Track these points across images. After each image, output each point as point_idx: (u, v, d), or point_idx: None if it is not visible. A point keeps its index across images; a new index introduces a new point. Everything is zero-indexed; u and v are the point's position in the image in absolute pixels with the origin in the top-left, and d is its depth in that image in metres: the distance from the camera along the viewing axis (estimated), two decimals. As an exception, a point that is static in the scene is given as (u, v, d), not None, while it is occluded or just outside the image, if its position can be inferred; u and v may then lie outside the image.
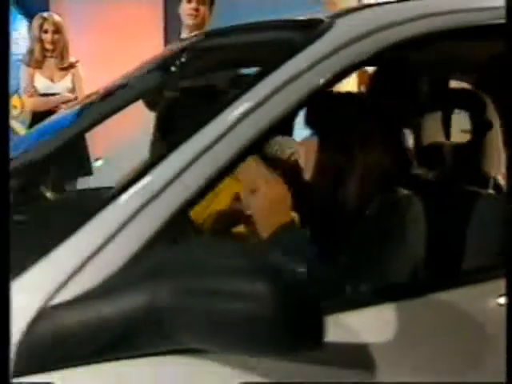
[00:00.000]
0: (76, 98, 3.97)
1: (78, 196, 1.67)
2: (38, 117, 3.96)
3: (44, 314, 0.72)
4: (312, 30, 1.03)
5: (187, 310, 0.70)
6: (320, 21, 1.05)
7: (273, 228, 0.97)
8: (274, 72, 0.93)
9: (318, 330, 0.68)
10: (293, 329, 0.67)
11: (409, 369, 0.86)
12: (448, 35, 1.07)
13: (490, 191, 1.41)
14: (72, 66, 4.06)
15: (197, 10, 3.06)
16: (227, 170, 0.85)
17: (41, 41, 3.95)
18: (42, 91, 3.96)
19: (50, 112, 3.88)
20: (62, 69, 4.03)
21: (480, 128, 1.40)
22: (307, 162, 1.40)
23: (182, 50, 1.45)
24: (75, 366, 0.71)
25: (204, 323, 0.70)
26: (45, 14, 4.01)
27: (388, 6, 1.11)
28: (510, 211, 0.95)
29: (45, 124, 1.71)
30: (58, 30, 3.99)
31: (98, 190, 1.73)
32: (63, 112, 1.67)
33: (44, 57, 3.98)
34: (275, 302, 0.66)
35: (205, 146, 0.84)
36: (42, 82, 3.97)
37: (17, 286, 0.74)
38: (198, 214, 1.17)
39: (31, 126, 4.03)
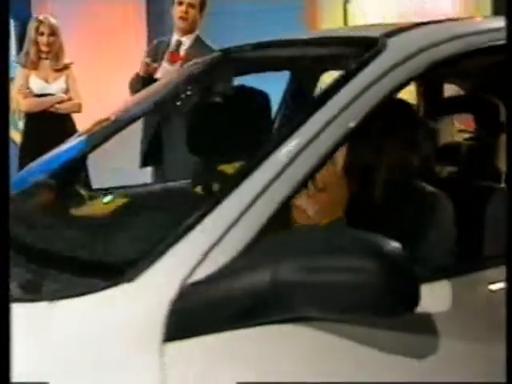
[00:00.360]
0: (70, 99, 4.09)
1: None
2: (33, 117, 4.06)
3: (187, 289, 0.88)
4: (370, 48, 1.21)
5: (306, 284, 0.87)
6: (375, 40, 1.23)
7: (327, 221, 1.14)
8: (345, 87, 1.10)
9: (416, 297, 0.86)
10: (396, 296, 0.85)
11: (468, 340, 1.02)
12: (480, 52, 1.27)
13: (502, 185, 1.61)
14: (66, 67, 4.16)
15: (186, 12, 3.27)
16: (314, 172, 1.03)
17: (36, 43, 4.04)
18: (37, 92, 4.05)
19: (44, 112, 4.00)
20: (57, 70, 4.12)
21: (494, 129, 1.60)
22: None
23: (232, 61, 1.61)
24: (218, 331, 0.87)
25: (321, 294, 0.87)
26: (41, 17, 4.11)
27: (433, 25, 1.30)
28: (510, 209, 1.02)
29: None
30: (53, 32, 4.09)
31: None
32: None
33: (39, 58, 4.08)
34: (383, 274, 0.84)
35: (293, 153, 1.00)
36: (37, 83, 4.05)
37: (160, 265, 0.90)
38: None
39: (28, 127, 4.13)
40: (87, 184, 1.69)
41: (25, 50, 4.10)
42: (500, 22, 1.29)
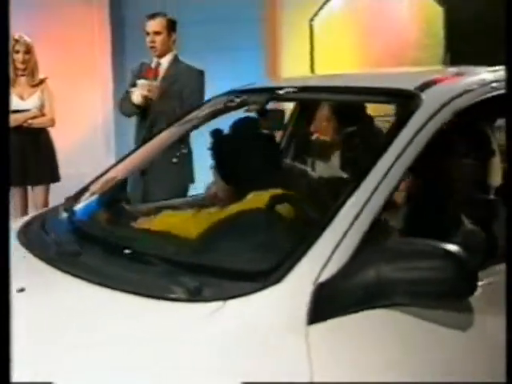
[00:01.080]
0: (43, 114, 4.32)
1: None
2: (11, 132, 4.25)
3: (319, 285, 1.27)
4: (408, 99, 1.63)
5: (400, 279, 1.28)
6: (412, 93, 1.64)
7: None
8: (402, 132, 1.52)
9: (475, 285, 1.29)
10: (466, 284, 1.28)
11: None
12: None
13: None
14: (42, 82, 4.39)
15: (153, 41, 3.74)
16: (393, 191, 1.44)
17: (13, 61, 4.25)
18: (12, 108, 4.25)
19: (20, 127, 4.21)
20: (33, 86, 4.35)
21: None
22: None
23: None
24: (342, 315, 1.27)
25: (411, 287, 1.28)
26: (16, 36, 4.30)
27: (453, 80, 1.74)
28: (510, 212, 1.19)
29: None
30: (28, 50, 4.33)
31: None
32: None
33: (16, 76, 4.28)
34: (458, 271, 1.26)
35: (382, 176, 1.42)
36: (12, 100, 4.25)
37: (297, 269, 1.28)
38: None
39: None
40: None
41: None
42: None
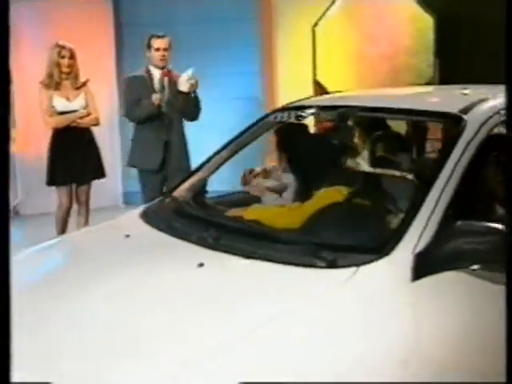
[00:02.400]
0: (89, 114, 4.85)
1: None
2: (58, 132, 4.77)
3: (419, 253, 1.91)
4: (454, 120, 2.28)
5: (472, 249, 1.93)
6: (457, 116, 2.29)
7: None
8: (456, 149, 2.17)
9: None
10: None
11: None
12: None
13: None
14: (84, 84, 4.90)
15: (164, 56, 4.68)
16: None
17: (59, 66, 4.75)
18: (61, 110, 4.77)
19: (67, 127, 4.74)
20: (76, 88, 4.86)
21: None
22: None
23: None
24: (434, 273, 1.91)
25: (481, 255, 1.93)
26: (61, 43, 4.80)
27: (488, 103, 2.38)
28: (509, 215, 1.28)
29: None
30: (72, 55, 4.82)
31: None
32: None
33: (61, 79, 4.78)
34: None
35: (448, 177, 2.06)
36: (60, 102, 4.77)
37: (402, 243, 1.92)
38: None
39: (55, 140, 4.81)
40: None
41: (47, 72, 4.79)
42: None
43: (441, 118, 2.40)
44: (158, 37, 4.69)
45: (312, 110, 2.78)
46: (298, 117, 2.85)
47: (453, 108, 2.38)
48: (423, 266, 1.92)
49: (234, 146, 3.07)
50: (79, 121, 4.82)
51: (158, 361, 1.56)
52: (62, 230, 4.85)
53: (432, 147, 2.98)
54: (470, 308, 1.99)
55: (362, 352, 1.74)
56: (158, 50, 4.65)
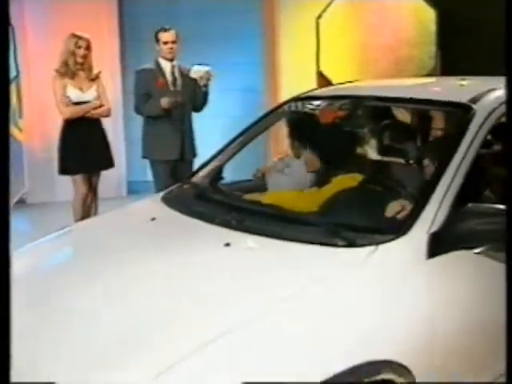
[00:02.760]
0: (102, 105, 4.95)
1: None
2: (70, 122, 4.88)
3: (433, 233, 2.05)
4: (463, 109, 2.42)
5: (481, 230, 2.07)
6: (467, 105, 2.43)
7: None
8: (467, 136, 2.30)
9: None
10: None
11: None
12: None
13: None
14: (97, 76, 4.99)
15: (171, 48, 4.88)
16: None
17: (74, 55, 4.83)
18: (75, 100, 4.86)
19: (79, 118, 4.84)
20: (90, 80, 4.95)
21: None
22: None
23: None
24: (446, 252, 2.06)
25: (488, 236, 2.07)
26: (78, 33, 4.88)
27: (495, 92, 2.52)
28: (510, 211, 1.38)
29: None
30: (88, 46, 4.90)
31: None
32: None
33: (76, 69, 4.86)
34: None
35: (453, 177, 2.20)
36: (74, 93, 4.86)
37: (417, 223, 2.06)
38: None
39: (67, 130, 4.92)
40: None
41: (62, 60, 4.86)
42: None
43: (452, 107, 2.53)
44: (165, 30, 4.86)
45: (324, 100, 2.92)
46: (312, 106, 2.98)
47: (463, 98, 2.51)
48: (437, 245, 2.06)
49: (249, 134, 3.20)
50: (93, 111, 4.92)
51: (198, 328, 1.70)
52: (81, 218, 4.97)
53: (435, 136, 3.10)
54: (479, 285, 2.14)
55: (381, 322, 1.88)
56: (166, 43, 4.83)
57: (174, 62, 4.91)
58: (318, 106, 2.95)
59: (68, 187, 5.17)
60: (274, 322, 1.74)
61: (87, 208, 5.04)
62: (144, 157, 5.01)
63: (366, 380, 1.80)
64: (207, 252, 2.12)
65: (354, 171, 2.79)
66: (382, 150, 2.85)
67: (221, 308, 1.79)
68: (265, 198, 2.73)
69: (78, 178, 4.93)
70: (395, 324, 1.91)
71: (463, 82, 2.88)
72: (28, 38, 6.73)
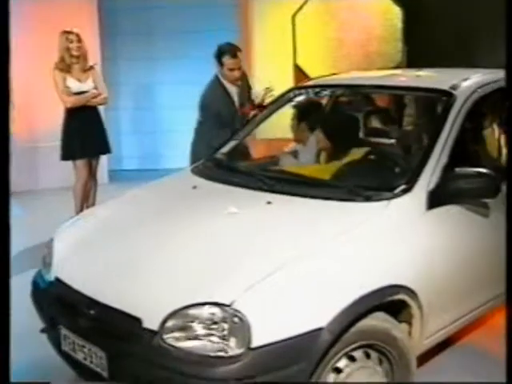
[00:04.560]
0: (100, 94, 5.42)
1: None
2: (71, 110, 5.33)
3: (429, 191, 2.68)
4: (445, 95, 3.07)
5: (466, 188, 2.72)
6: (448, 92, 3.08)
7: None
8: (449, 116, 2.95)
9: (500, 189, 2.75)
10: (495, 189, 2.72)
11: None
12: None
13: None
14: (91, 67, 5.46)
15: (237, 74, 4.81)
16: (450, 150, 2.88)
17: (68, 50, 5.30)
18: (75, 90, 5.33)
19: (80, 107, 5.31)
20: (85, 71, 5.42)
21: None
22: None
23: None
24: (441, 206, 2.70)
25: (470, 192, 2.72)
26: (67, 29, 5.34)
27: (475, 78, 3.18)
28: (509, 210, 1.62)
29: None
30: (79, 39, 5.37)
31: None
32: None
33: (72, 62, 5.33)
34: (492, 182, 2.71)
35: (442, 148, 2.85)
36: (74, 84, 5.33)
37: (417, 184, 2.69)
38: None
39: (69, 118, 5.36)
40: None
41: (59, 57, 5.33)
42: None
43: (436, 93, 3.19)
44: (232, 56, 4.72)
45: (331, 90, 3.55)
46: (316, 93, 3.60)
47: (444, 85, 3.17)
48: (434, 200, 2.70)
49: (258, 117, 3.79)
50: (92, 100, 5.38)
51: (269, 259, 2.28)
52: (82, 202, 5.44)
53: (424, 117, 3.76)
54: (464, 230, 2.81)
55: (395, 257, 2.51)
56: (232, 70, 4.75)
57: (238, 83, 4.88)
58: (321, 93, 3.57)
59: (50, 175, 5.56)
60: (322, 256, 2.34)
61: (87, 193, 5.51)
62: None
63: (389, 298, 2.42)
64: (255, 208, 2.69)
65: (354, 147, 3.43)
66: (378, 131, 3.48)
67: (281, 246, 2.37)
68: (288, 169, 3.33)
69: (80, 163, 5.39)
70: (405, 258, 2.54)
71: (417, 73, 3.57)
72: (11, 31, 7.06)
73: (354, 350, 2.37)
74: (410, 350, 2.51)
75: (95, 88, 5.42)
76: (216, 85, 4.81)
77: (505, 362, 1.78)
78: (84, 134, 5.34)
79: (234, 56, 4.69)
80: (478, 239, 2.89)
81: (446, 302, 2.74)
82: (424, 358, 2.90)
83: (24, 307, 2.76)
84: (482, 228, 2.90)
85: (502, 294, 3.24)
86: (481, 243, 2.90)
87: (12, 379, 2.01)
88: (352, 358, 2.38)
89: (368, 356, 2.42)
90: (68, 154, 5.39)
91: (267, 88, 4.82)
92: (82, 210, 5.44)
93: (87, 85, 5.39)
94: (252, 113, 4.69)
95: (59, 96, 5.29)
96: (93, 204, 5.56)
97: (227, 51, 4.71)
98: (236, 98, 4.88)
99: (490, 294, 3.12)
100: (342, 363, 2.36)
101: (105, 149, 5.59)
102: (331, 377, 2.34)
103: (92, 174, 5.53)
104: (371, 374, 2.43)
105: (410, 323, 2.61)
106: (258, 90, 4.94)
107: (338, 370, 2.35)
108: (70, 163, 5.48)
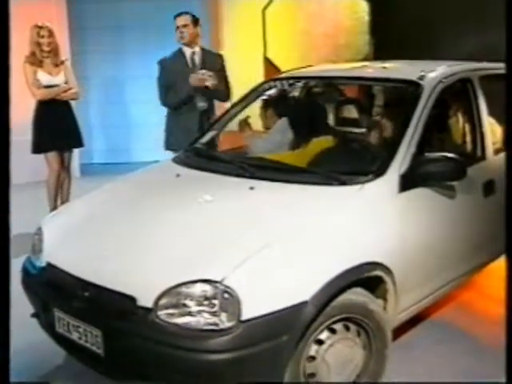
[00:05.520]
0: (70, 88, 5.52)
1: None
2: (43, 103, 5.42)
3: (403, 173, 2.90)
4: (413, 86, 3.29)
5: (433, 171, 2.95)
6: (416, 82, 3.30)
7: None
8: (418, 106, 3.17)
9: (466, 173, 2.99)
10: (462, 172, 2.96)
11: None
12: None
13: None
14: (62, 62, 5.56)
15: (182, 32, 4.92)
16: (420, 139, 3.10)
17: (39, 45, 5.38)
18: (45, 84, 5.42)
19: (50, 101, 5.39)
20: (56, 65, 5.51)
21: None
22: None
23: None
24: (412, 188, 2.92)
25: (440, 175, 2.95)
26: (39, 24, 5.42)
27: (442, 69, 3.42)
28: (510, 210, 1.47)
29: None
30: (50, 34, 5.46)
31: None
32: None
33: (42, 57, 5.41)
34: (458, 166, 2.94)
35: (415, 126, 3.07)
36: (44, 77, 5.43)
37: (391, 167, 2.90)
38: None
39: (39, 110, 5.44)
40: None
41: (30, 51, 5.41)
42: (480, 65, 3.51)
43: (405, 83, 3.40)
44: (178, 15, 4.94)
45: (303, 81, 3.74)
46: (290, 85, 3.78)
47: (412, 76, 3.39)
48: (405, 184, 2.92)
49: (234, 109, 3.96)
50: (62, 94, 5.47)
51: (254, 238, 2.45)
52: (55, 196, 5.54)
53: (393, 106, 3.98)
54: (432, 211, 3.04)
55: (370, 236, 2.71)
56: (177, 28, 4.91)
57: (195, 49, 4.98)
58: (294, 85, 3.76)
59: (20, 170, 5.64)
60: (304, 235, 2.53)
61: (60, 185, 5.60)
62: (168, 148, 4.96)
63: (367, 274, 2.63)
64: (239, 193, 2.87)
65: (323, 135, 3.64)
66: (335, 121, 3.70)
67: (266, 226, 2.56)
68: (266, 156, 3.51)
69: (51, 156, 5.49)
70: (380, 236, 2.75)
71: (385, 65, 3.79)
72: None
73: (335, 322, 2.57)
74: (385, 322, 2.72)
75: (66, 82, 5.52)
76: (175, 51, 4.97)
77: (504, 361, 1.86)
78: (54, 127, 5.43)
79: (179, 15, 4.91)
80: (446, 219, 3.12)
81: (418, 279, 2.97)
82: (398, 332, 3.12)
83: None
84: (449, 209, 3.13)
85: (467, 271, 3.51)
86: (448, 223, 3.13)
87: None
88: (333, 331, 2.58)
89: (347, 328, 2.63)
90: (38, 147, 5.48)
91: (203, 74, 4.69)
92: (55, 202, 5.57)
93: (58, 79, 5.49)
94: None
95: (29, 89, 5.37)
96: (67, 198, 5.67)
97: (176, 15, 4.93)
98: (192, 62, 4.89)
99: (458, 271, 3.36)
100: (324, 335, 2.55)
101: (77, 142, 5.69)
102: (313, 348, 2.53)
103: (64, 167, 5.63)
104: (351, 346, 2.64)
105: (385, 299, 2.82)
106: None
107: (320, 342, 2.55)
108: (41, 158, 5.56)
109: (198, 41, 5.05)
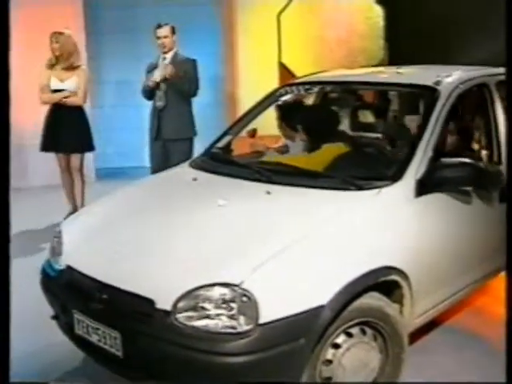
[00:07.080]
0: (75, 94, 5.60)
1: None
2: (52, 108, 5.57)
3: (418, 179, 2.90)
4: (430, 91, 3.30)
5: (451, 177, 2.95)
6: (433, 88, 3.31)
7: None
8: (434, 111, 3.18)
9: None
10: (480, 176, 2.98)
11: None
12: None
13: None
14: (76, 68, 5.65)
15: (163, 42, 5.55)
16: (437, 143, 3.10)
17: (52, 50, 5.62)
18: (53, 88, 5.59)
19: (61, 105, 5.51)
20: (68, 70, 5.63)
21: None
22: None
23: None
24: (428, 194, 2.92)
25: (457, 180, 2.96)
26: (56, 31, 5.67)
27: (458, 73, 3.43)
28: (510, 210, 1.59)
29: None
30: (60, 40, 5.64)
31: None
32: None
33: (55, 62, 5.59)
34: (477, 171, 2.95)
35: (432, 131, 3.08)
36: (53, 82, 5.66)
37: (407, 172, 2.91)
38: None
39: (49, 114, 5.60)
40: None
41: (50, 56, 5.63)
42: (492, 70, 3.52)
43: (421, 89, 3.42)
44: (159, 26, 5.57)
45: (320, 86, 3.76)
46: (305, 90, 3.81)
47: (428, 81, 3.40)
48: (421, 188, 2.93)
49: (250, 114, 3.98)
50: (64, 100, 5.59)
51: (274, 240, 2.47)
52: (69, 193, 5.87)
53: (409, 111, 3.99)
54: (447, 215, 3.05)
55: (387, 240, 2.72)
56: (158, 38, 5.56)
57: (169, 54, 5.60)
58: (310, 90, 3.78)
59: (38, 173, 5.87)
60: (321, 240, 2.55)
61: (69, 181, 5.82)
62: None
63: (383, 278, 2.64)
64: (256, 197, 2.89)
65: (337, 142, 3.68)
66: (351, 127, 3.72)
67: (283, 230, 2.57)
68: (283, 161, 3.53)
69: (58, 157, 5.81)
70: (396, 242, 2.76)
71: (400, 70, 3.81)
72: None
73: (351, 326, 2.58)
74: (401, 326, 2.73)
75: (77, 89, 5.62)
76: (157, 57, 5.61)
77: (505, 360, 1.92)
78: (58, 129, 5.65)
79: (160, 27, 5.54)
80: (462, 224, 3.13)
81: (434, 284, 2.97)
82: (414, 337, 3.12)
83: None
84: (465, 214, 3.14)
85: (483, 276, 3.51)
86: (464, 228, 3.14)
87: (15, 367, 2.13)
88: (349, 335, 2.59)
89: (364, 332, 2.64)
90: (42, 145, 5.77)
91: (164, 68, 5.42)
92: (72, 201, 5.86)
93: (67, 84, 5.64)
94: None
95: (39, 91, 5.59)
96: (82, 201, 5.74)
97: (157, 26, 5.56)
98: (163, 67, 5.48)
99: (474, 277, 3.36)
100: (341, 339, 2.57)
101: (84, 147, 5.79)
102: (330, 352, 2.55)
103: (72, 169, 5.73)
104: (367, 350, 2.65)
105: (401, 303, 2.82)
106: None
107: (336, 346, 2.56)
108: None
109: (174, 46, 5.66)
